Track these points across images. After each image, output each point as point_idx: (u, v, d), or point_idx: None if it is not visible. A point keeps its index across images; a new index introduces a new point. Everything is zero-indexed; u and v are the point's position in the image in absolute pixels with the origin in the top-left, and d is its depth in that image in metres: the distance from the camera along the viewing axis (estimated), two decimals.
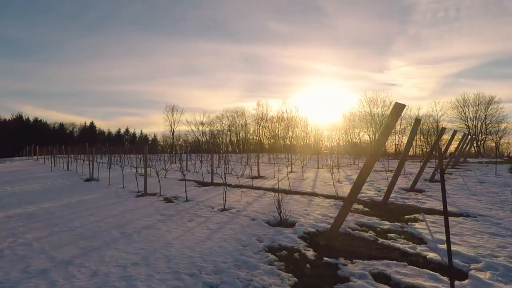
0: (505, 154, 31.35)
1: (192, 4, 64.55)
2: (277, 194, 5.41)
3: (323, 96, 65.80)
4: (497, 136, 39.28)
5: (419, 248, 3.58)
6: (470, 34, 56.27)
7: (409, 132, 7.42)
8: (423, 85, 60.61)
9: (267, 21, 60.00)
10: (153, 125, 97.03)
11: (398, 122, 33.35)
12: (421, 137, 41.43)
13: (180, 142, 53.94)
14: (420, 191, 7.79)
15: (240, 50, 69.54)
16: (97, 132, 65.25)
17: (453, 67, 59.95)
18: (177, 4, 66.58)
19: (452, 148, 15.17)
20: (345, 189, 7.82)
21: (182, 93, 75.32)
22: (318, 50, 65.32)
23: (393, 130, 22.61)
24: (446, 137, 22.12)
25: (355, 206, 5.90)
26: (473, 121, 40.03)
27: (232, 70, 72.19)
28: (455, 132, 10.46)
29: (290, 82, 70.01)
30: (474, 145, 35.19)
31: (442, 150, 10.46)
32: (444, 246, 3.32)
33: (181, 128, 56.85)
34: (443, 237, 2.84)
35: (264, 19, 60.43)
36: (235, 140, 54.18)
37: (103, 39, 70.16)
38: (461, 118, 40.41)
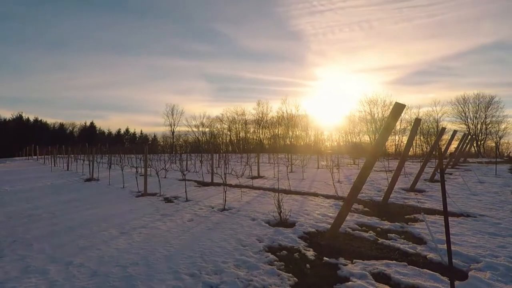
0: (505, 154, 31.34)
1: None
2: (277, 194, 5.41)
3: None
4: (497, 136, 39.32)
5: (419, 248, 3.58)
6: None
7: (409, 132, 7.43)
8: None
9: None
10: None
11: (398, 122, 33.33)
12: (421, 137, 41.45)
13: (180, 142, 53.98)
14: (420, 191, 7.79)
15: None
16: (97, 132, 65.22)
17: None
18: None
19: (452, 148, 15.18)
20: (345, 189, 7.82)
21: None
22: None
23: (393, 130, 22.61)
24: (446, 137, 22.14)
25: (355, 206, 5.90)
26: (473, 121, 40.08)
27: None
28: (455, 132, 10.46)
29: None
30: (474, 145, 35.20)
31: (442, 150, 10.46)
32: (444, 246, 3.32)
33: (181, 129, 57.00)
34: (443, 237, 2.84)
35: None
36: (235, 140, 54.20)
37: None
38: (461, 118, 40.48)
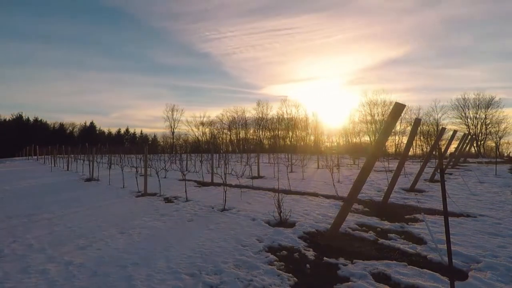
0: (505, 154, 31.34)
1: None
2: (277, 194, 5.41)
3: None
4: (497, 136, 39.33)
5: (419, 248, 3.58)
6: None
7: (409, 132, 7.42)
8: None
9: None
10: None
11: (398, 122, 33.33)
12: (421, 137, 41.47)
13: (180, 142, 54.00)
14: (420, 191, 7.79)
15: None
16: (97, 132, 65.26)
17: None
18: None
19: (452, 148, 15.17)
20: (345, 189, 7.82)
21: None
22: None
23: (393, 130, 22.59)
24: (446, 137, 22.15)
25: (355, 206, 5.90)
26: (473, 121, 40.09)
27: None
28: (455, 132, 10.46)
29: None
30: (474, 145, 35.19)
31: (442, 150, 10.46)
32: (444, 246, 3.32)
33: (181, 128, 57.09)
34: (443, 237, 2.83)
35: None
36: (235, 140, 54.22)
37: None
38: (461, 118, 40.49)
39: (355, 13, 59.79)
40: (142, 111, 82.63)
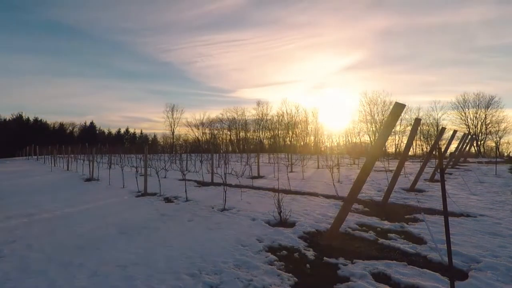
0: (505, 154, 31.34)
1: None
2: (277, 194, 5.41)
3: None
4: (497, 136, 39.33)
5: (419, 248, 3.58)
6: None
7: (409, 132, 7.42)
8: None
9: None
10: None
11: (398, 122, 33.33)
12: (421, 137, 41.48)
13: (180, 142, 54.01)
14: (420, 191, 7.79)
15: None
16: (97, 132, 65.23)
17: None
18: None
19: (452, 148, 15.17)
20: (345, 189, 7.82)
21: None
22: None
23: (393, 130, 22.59)
24: (446, 137, 22.14)
25: (355, 206, 5.90)
26: (473, 121, 40.09)
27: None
28: (455, 132, 10.46)
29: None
30: (474, 145, 35.20)
31: (442, 150, 10.45)
32: (444, 246, 3.32)
33: (181, 128, 57.21)
34: (443, 237, 2.84)
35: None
36: (235, 140, 54.22)
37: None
38: (461, 118, 40.50)
39: (297, 26, 64.60)
40: (143, 110, 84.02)
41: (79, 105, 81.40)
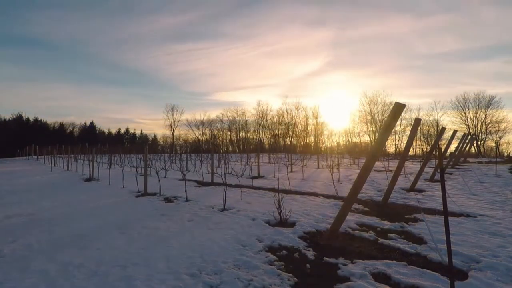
0: (505, 154, 31.34)
1: None
2: (277, 194, 5.41)
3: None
4: (497, 136, 39.34)
5: (419, 248, 3.58)
6: None
7: (409, 132, 7.42)
8: None
9: None
10: None
11: (398, 122, 33.33)
12: (421, 137, 41.48)
13: (180, 142, 54.02)
14: (420, 191, 7.79)
15: None
16: (97, 132, 65.22)
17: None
18: None
19: (452, 148, 15.17)
20: (345, 189, 7.82)
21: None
22: None
23: (393, 130, 22.58)
24: (446, 136, 22.15)
25: (355, 206, 5.90)
26: (473, 121, 40.10)
27: None
28: (455, 132, 10.46)
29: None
30: (474, 145, 35.20)
31: (442, 150, 10.45)
32: (444, 246, 3.32)
33: (181, 128, 57.21)
34: (443, 237, 2.83)
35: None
36: (235, 140, 54.23)
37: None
38: (461, 118, 40.51)
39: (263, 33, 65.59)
40: (142, 112, 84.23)
41: (60, 106, 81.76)
